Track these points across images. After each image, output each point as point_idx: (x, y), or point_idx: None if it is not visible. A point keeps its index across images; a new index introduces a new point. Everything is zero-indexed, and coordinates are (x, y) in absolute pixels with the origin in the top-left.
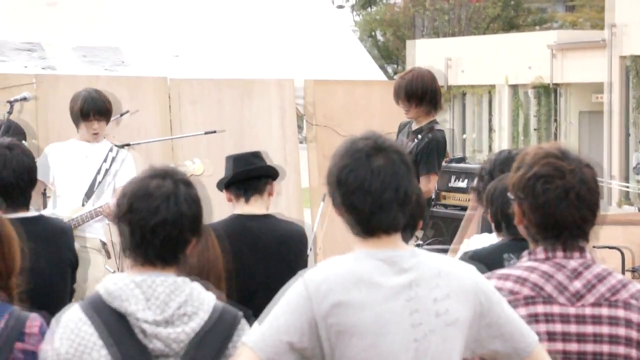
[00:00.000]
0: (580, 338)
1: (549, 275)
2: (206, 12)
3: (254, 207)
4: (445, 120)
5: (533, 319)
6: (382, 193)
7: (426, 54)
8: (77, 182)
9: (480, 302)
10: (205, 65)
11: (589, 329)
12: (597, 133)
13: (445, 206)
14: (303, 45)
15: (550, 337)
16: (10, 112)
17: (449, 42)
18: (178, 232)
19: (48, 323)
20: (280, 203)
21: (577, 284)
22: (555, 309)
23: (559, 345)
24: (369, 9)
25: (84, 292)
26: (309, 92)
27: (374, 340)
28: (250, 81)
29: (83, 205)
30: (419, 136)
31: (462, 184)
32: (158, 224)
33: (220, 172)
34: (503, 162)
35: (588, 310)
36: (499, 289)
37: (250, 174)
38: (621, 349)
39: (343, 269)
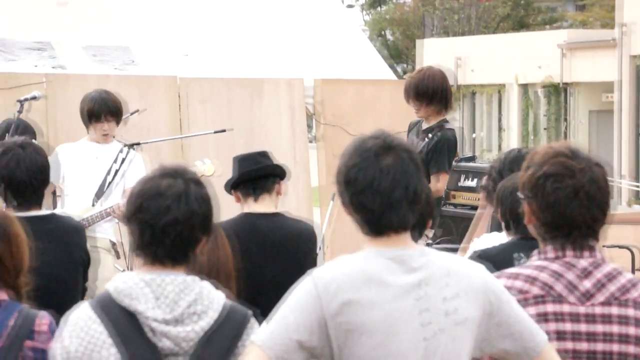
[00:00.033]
0: (590, 337)
1: (558, 274)
2: (216, 12)
3: (263, 205)
4: (455, 119)
5: (542, 318)
6: (392, 192)
7: (436, 53)
8: (88, 183)
9: (489, 301)
10: (215, 65)
11: (599, 328)
12: (607, 132)
13: (455, 205)
14: (313, 44)
15: (560, 336)
16: (20, 111)
17: (459, 42)
18: (189, 231)
19: (56, 322)
20: (289, 202)
21: (587, 283)
22: (565, 308)
23: (569, 345)
24: (378, 8)
25: (94, 292)
26: (319, 91)
27: (383, 339)
28: (260, 80)
29: (93, 205)
30: (430, 135)
31: (472, 183)
32: (169, 223)
33: (229, 172)
34: (513, 161)
35: (598, 310)
36: (509, 288)
37: (258, 173)
38: (631, 348)
39: (352, 268)
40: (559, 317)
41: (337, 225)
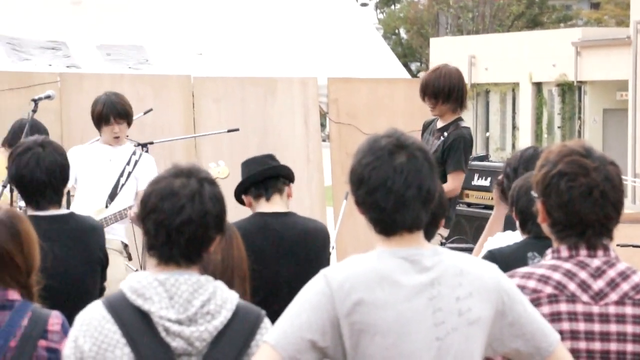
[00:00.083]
0: (604, 337)
1: (572, 273)
2: (229, 10)
3: (275, 205)
4: (467, 118)
5: (556, 317)
6: (405, 191)
7: (450, 51)
8: (101, 185)
9: (502, 301)
10: (228, 63)
11: (613, 327)
12: (621, 131)
13: (468, 204)
14: (326, 43)
15: (574, 335)
16: (34, 111)
17: (473, 40)
18: (203, 230)
19: (72, 321)
20: (303, 201)
21: (601, 283)
22: (579, 308)
23: (582, 344)
24: (392, 7)
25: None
26: (332, 90)
27: (396, 339)
28: (273, 79)
29: (106, 207)
30: (445, 134)
31: (485, 182)
32: (183, 223)
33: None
34: (528, 160)
35: (612, 309)
36: (522, 288)
37: (269, 173)
38: None
39: (365, 267)
40: (572, 316)
41: (350, 224)
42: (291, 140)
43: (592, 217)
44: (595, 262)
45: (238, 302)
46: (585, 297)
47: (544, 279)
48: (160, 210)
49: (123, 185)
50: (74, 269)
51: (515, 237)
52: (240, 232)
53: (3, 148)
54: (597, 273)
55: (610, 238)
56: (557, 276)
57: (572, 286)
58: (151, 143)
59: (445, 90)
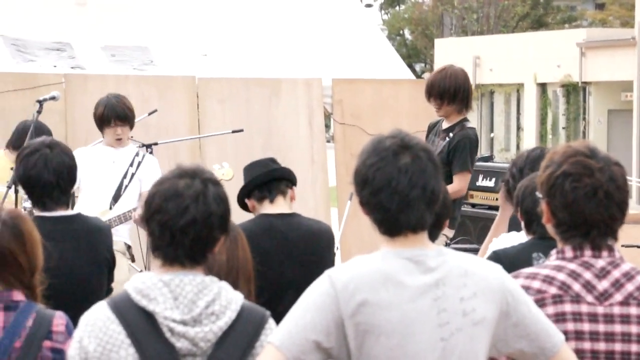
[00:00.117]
0: (609, 337)
1: (576, 274)
2: (234, 12)
3: (279, 207)
4: (472, 118)
5: (561, 318)
6: (410, 191)
7: (454, 52)
8: (105, 186)
9: (506, 301)
10: (233, 64)
11: (617, 328)
12: (626, 131)
13: (473, 205)
14: (331, 44)
15: (578, 336)
16: (39, 112)
17: (477, 41)
18: (208, 231)
19: (75, 323)
20: (307, 202)
21: (605, 283)
22: (583, 308)
23: (587, 345)
24: (397, 8)
25: None
26: (337, 90)
27: (400, 339)
28: (278, 80)
29: (110, 208)
30: (451, 134)
31: (490, 182)
32: (188, 224)
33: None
34: (534, 160)
35: (616, 310)
36: (527, 288)
37: (272, 175)
38: None
39: (370, 268)
40: (577, 317)
41: (354, 225)
42: (295, 141)
43: (596, 218)
44: (600, 263)
45: (243, 303)
46: (589, 298)
47: (549, 280)
48: (164, 211)
49: (126, 186)
50: (80, 269)
51: (520, 237)
52: (245, 234)
53: (7, 150)
54: (602, 273)
55: (615, 239)
56: (561, 277)
57: (576, 287)
58: (156, 144)
59: (451, 91)
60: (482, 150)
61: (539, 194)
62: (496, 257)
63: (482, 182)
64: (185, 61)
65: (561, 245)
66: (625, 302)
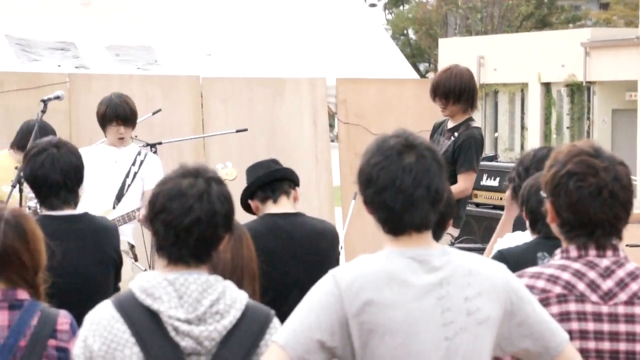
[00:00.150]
0: (613, 337)
1: (581, 273)
2: (238, 11)
3: (283, 207)
4: (476, 118)
5: (565, 317)
6: (414, 190)
7: (458, 52)
8: (107, 186)
9: (511, 300)
10: (237, 64)
11: (622, 327)
12: (630, 131)
13: (477, 204)
14: (335, 43)
15: (583, 335)
16: (44, 111)
17: (481, 40)
18: (212, 230)
19: (78, 322)
20: (311, 201)
21: (610, 283)
22: (588, 308)
23: (591, 344)
24: (401, 7)
25: None
26: (341, 90)
27: (404, 338)
28: (282, 80)
29: (114, 208)
30: (456, 134)
31: (494, 182)
32: (192, 223)
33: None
34: (540, 160)
35: (621, 309)
36: (531, 287)
37: (275, 175)
38: None
39: (374, 267)
40: (581, 316)
41: (358, 224)
42: (299, 141)
43: (601, 217)
44: (605, 262)
45: (247, 302)
46: (594, 297)
47: (553, 279)
48: (168, 210)
49: (129, 186)
50: (86, 268)
51: (525, 237)
52: (250, 233)
53: (11, 150)
54: (607, 273)
55: (620, 238)
56: (566, 276)
57: (581, 286)
58: (160, 143)
59: (456, 91)
60: (487, 150)
61: (543, 193)
62: (501, 256)
63: (486, 181)
64: (189, 61)
65: (565, 244)
66: (629, 302)
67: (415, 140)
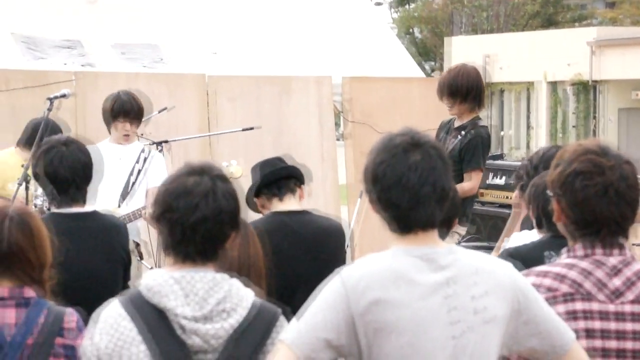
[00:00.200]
0: (620, 335)
1: (588, 272)
2: (244, 9)
3: (289, 204)
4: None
5: (572, 316)
6: (420, 188)
7: (464, 50)
8: (112, 184)
9: (517, 299)
10: (243, 62)
11: (629, 326)
12: (636, 130)
13: (483, 203)
14: (341, 42)
15: (589, 334)
16: (50, 109)
17: (488, 39)
18: (218, 228)
19: (84, 319)
20: (317, 200)
21: (617, 282)
22: (595, 306)
23: (598, 343)
24: (407, 6)
25: None
26: (347, 89)
27: (411, 337)
28: (288, 78)
29: (119, 206)
30: (463, 132)
31: (500, 181)
32: (198, 221)
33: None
34: (549, 159)
35: (628, 308)
36: (538, 286)
37: (281, 173)
38: None
39: (381, 266)
40: (588, 315)
41: (364, 222)
42: (306, 139)
43: (607, 216)
44: (611, 261)
45: (254, 300)
46: (601, 296)
47: (560, 278)
48: (174, 209)
49: (133, 184)
50: (94, 266)
51: (532, 236)
52: (257, 231)
53: (18, 148)
54: (613, 272)
55: (626, 237)
56: (572, 275)
57: (587, 285)
58: (166, 142)
59: (463, 90)
60: (493, 149)
61: (549, 192)
62: (508, 255)
63: (492, 180)
64: (195, 59)
65: (572, 243)
66: (636, 301)
67: (421, 138)
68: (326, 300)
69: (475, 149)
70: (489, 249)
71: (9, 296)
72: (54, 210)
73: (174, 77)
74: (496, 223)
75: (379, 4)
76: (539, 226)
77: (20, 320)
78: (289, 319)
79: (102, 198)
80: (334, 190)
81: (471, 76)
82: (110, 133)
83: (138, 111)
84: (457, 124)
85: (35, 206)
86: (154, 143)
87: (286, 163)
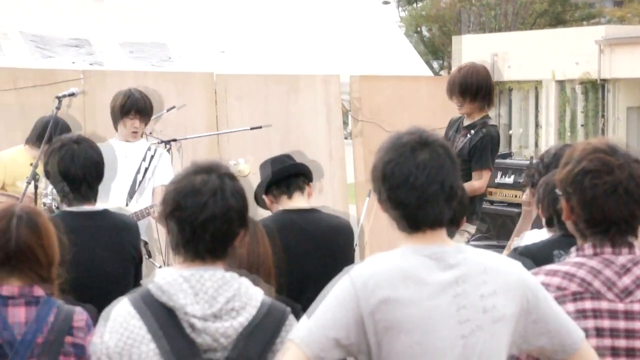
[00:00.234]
0: (629, 334)
1: (597, 271)
2: (251, 9)
3: (297, 202)
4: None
5: (581, 314)
6: (428, 187)
7: (472, 49)
8: (119, 182)
9: (527, 298)
10: (251, 61)
11: (638, 325)
12: None
13: (492, 202)
14: (349, 41)
15: (599, 333)
16: (58, 108)
17: (496, 38)
18: (227, 226)
19: (93, 317)
20: (326, 198)
21: (626, 280)
22: (604, 305)
23: (607, 341)
24: (414, 5)
25: None
26: (355, 87)
27: (420, 336)
28: (296, 77)
29: (126, 205)
30: (472, 131)
31: (509, 180)
32: (207, 220)
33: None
34: (561, 158)
35: (637, 307)
36: (547, 285)
37: (290, 170)
38: None
39: (390, 265)
40: (597, 313)
41: (372, 221)
42: (314, 138)
43: (616, 215)
44: (621, 260)
45: (263, 299)
46: (610, 295)
47: (569, 277)
48: (183, 207)
49: (140, 182)
50: (105, 265)
51: (542, 234)
52: (265, 229)
53: (27, 146)
54: (623, 271)
55: (635, 236)
56: (581, 273)
57: (597, 283)
58: (174, 140)
59: (473, 89)
60: (501, 148)
61: (558, 191)
62: (517, 254)
63: (500, 179)
64: (203, 58)
65: (581, 242)
66: None
67: (429, 137)
68: (335, 299)
69: (484, 148)
70: (499, 248)
71: (19, 295)
72: (65, 208)
73: (182, 76)
74: (504, 222)
75: (386, 2)
76: (550, 225)
77: (30, 319)
78: (299, 317)
79: (110, 196)
80: (342, 188)
81: (481, 75)
82: (117, 130)
83: (149, 109)
84: (466, 122)
85: (44, 205)
86: (162, 142)
87: (295, 160)
